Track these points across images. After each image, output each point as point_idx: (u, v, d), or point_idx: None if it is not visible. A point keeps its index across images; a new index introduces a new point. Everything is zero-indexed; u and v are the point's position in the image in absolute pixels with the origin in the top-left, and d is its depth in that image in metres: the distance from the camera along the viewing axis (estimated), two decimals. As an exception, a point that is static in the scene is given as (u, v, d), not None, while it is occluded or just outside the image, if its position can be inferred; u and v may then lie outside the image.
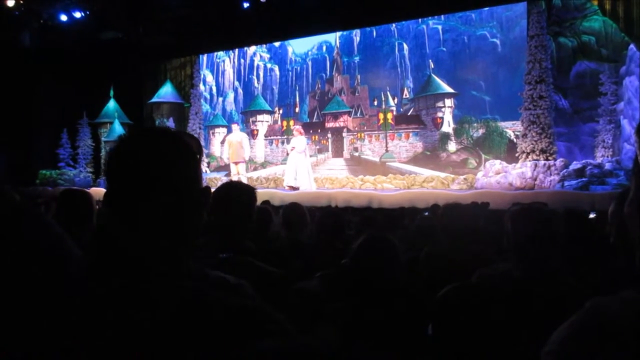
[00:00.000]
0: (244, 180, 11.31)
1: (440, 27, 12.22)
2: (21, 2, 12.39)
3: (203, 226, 0.95)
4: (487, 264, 1.91)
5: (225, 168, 14.75)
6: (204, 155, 14.62)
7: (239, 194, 1.80)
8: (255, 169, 14.11)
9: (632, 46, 9.51)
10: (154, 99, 14.97)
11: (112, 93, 15.05)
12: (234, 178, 11.20)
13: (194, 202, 0.92)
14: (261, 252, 1.84)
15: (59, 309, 0.81)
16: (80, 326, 0.80)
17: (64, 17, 13.05)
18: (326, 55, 13.78)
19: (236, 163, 11.46)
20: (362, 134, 12.96)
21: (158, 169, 0.89)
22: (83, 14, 12.98)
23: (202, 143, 14.64)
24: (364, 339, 1.52)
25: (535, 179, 9.33)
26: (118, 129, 14.66)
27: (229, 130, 14.91)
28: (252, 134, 14.26)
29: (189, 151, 0.93)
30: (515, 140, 10.64)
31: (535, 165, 9.39)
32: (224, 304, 0.85)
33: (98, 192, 12.20)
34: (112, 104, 15.10)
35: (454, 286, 1.58)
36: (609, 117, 9.68)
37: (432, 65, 12.17)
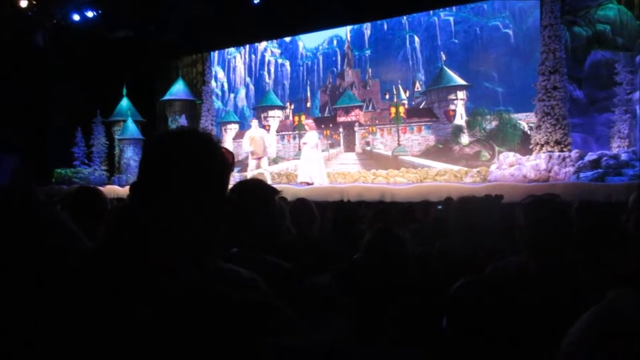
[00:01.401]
0: (268, 175, 11.41)
1: (452, 18, 12.11)
2: (34, 2, 12.51)
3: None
4: (501, 257, 1.89)
5: (238, 164, 14.81)
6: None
7: (259, 192, 1.81)
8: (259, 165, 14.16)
9: (648, 34, 9.35)
10: (166, 97, 15.07)
11: (124, 91, 15.18)
12: (256, 173, 11.31)
13: (222, 210, 0.95)
14: (272, 247, 1.84)
15: (70, 303, 0.82)
16: (91, 321, 0.80)
17: (76, 17, 13.17)
18: (337, 49, 13.74)
19: (259, 158, 11.52)
20: (374, 128, 12.92)
21: (201, 171, 0.91)
22: (95, 13, 13.09)
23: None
24: (375, 334, 1.51)
25: (549, 171, 9.23)
26: (131, 126, 14.80)
27: (243, 127, 14.99)
28: (264, 130, 14.29)
29: (227, 162, 0.97)
30: (529, 132, 10.53)
31: (550, 157, 9.29)
32: (237, 299, 0.86)
33: (113, 189, 12.36)
34: (125, 102, 15.24)
35: (468, 279, 1.57)
36: (624, 107, 9.52)
37: (444, 57, 12.07)
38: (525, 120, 10.86)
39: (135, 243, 0.86)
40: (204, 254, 0.94)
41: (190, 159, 0.91)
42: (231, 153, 1.01)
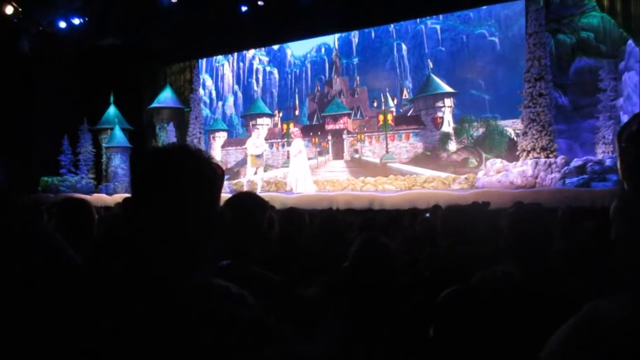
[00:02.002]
0: (260, 183, 11.52)
1: (438, 26, 12.23)
2: (20, 9, 12.43)
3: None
4: (489, 265, 1.91)
5: (226, 172, 14.76)
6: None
7: (250, 205, 1.84)
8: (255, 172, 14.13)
9: (630, 42, 9.50)
10: (154, 104, 15.00)
11: (112, 99, 15.08)
12: (251, 180, 11.39)
13: (212, 224, 0.96)
14: (262, 259, 1.84)
15: (61, 316, 0.82)
16: (82, 334, 0.80)
17: (62, 24, 13.09)
18: (325, 57, 13.79)
19: (258, 167, 11.65)
20: (362, 136, 12.97)
21: (191, 186, 0.92)
22: (81, 21, 13.02)
23: (202, 147, 14.66)
24: (364, 343, 1.52)
25: (536, 177, 9.32)
26: (118, 134, 14.71)
27: (231, 134, 14.97)
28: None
29: (216, 174, 0.98)
30: (515, 138, 10.63)
31: (536, 163, 9.39)
32: (227, 315, 0.86)
33: (100, 198, 12.25)
34: (112, 110, 15.14)
35: (455, 288, 1.59)
36: (608, 113, 9.67)
37: (431, 65, 12.17)
38: (511, 127, 10.97)
39: (128, 260, 0.86)
40: (195, 267, 0.94)
41: (181, 176, 0.92)
42: (220, 167, 1.02)
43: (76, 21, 13.01)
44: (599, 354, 0.64)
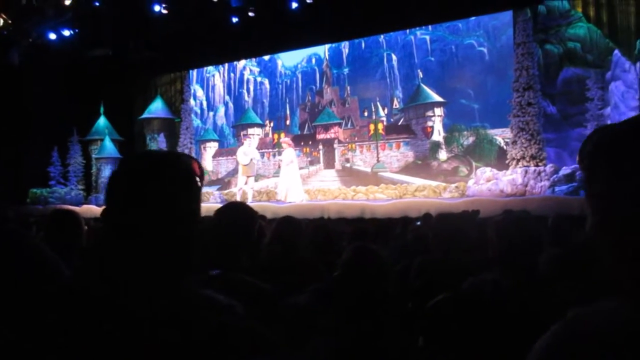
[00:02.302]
0: (251, 192, 11.46)
1: (428, 37, 12.34)
2: (9, 21, 12.39)
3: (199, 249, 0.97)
4: (479, 273, 1.92)
5: (217, 182, 14.73)
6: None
7: (240, 215, 1.85)
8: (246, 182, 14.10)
9: (616, 52, 9.66)
10: (145, 115, 14.96)
11: (102, 110, 15.03)
12: (243, 190, 11.33)
13: (194, 229, 0.94)
14: (253, 268, 1.84)
15: (48, 329, 0.81)
16: (70, 347, 0.79)
17: (52, 36, 13.05)
18: (315, 67, 13.85)
19: (248, 176, 11.57)
20: (353, 145, 13.00)
21: (161, 191, 0.90)
22: (72, 32, 12.99)
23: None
24: (355, 353, 1.52)
25: (526, 185, 9.39)
26: (109, 145, 14.64)
27: (222, 145, 14.95)
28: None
29: (193, 177, 0.95)
30: (505, 147, 10.71)
31: (526, 172, 9.46)
32: (216, 325, 0.86)
33: (89, 209, 12.15)
34: (102, 121, 15.08)
35: (444, 297, 1.59)
36: (596, 122, 9.77)
37: (420, 75, 12.26)
38: (501, 135, 11.06)
39: (112, 272, 0.85)
40: (181, 274, 0.93)
41: (154, 182, 0.90)
42: (200, 166, 0.98)
43: (66, 33, 12.97)
44: None
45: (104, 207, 0.93)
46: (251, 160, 11.32)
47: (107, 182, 0.94)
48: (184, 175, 0.94)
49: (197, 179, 0.95)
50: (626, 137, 0.72)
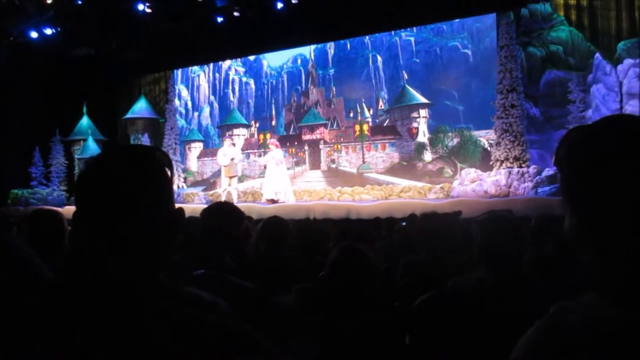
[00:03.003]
0: (235, 193, 11.33)
1: (412, 38, 12.41)
2: (-10, 19, 12.19)
3: (179, 244, 0.95)
4: (464, 272, 1.93)
5: (202, 183, 14.65)
6: (180, 171, 14.49)
7: (227, 216, 1.84)
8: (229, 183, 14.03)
9: (597, 55, 9.81)
10: (129, 115, 14.82)
11: (85, 109, 14.85)
12: (227, 191, 11.19)
13: (166, 220, 0.92)
14: (238, 268, 1.83)
15: (29, 332, 0.80)
16: (52, 351, 0.78)
17: (34, 34, 12.85)
18: (301, 68, 13.86)
19: (231, 177, 11.41)
20: (339, 146, 13.03)
21: (127, 187, 0.88)
22: (54, 31, 12.81)
23: (178, 158, 14.51)
24: (341, 352, 1.52)
25: (509, 186, 9.49)
26: (92, 146, 14.46)
27: (207, 145, 14.86)
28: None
29: (160, 168, 0.93)
30: (489, 148, 10.82)
31: (509, 173, 9.56)
32: (199, 321, 0.85)
33: (72, 210, 11.97)
34: (85, 121, 14.90)
35: (429, 295, 1.60)
36: (578, 124, 9.77)
37: (406, 76, 12.33)
38: (485, 137, 11.16)
39: (90, 272, 0.84)
40: (159, 269, 0.92)
41: (127, 176, 0.89)
42: (165, 153, 0.96)
43: (48, 31, 12.78)
44: (564, 355, 0.65)
45: (75, 210, 0.91)
46: (232, 160, 11.19)
47: (77, 183, 0.92)
48: (152, 166, 0.92)
49: (166, 169, 0.94)
50: (599, 137, 0.73)
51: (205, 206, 1.99)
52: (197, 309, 0.88)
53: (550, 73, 10.61)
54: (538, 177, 9.24)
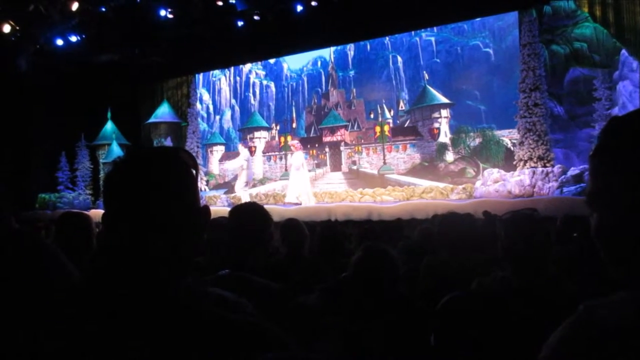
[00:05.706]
0: (247, 197, 11.42)
1: (433, 38, 12.33)
2: (17, 27, 12.49)
3: (204, 245, 0.96)
4: (487, 272, 1.91)
5: (224, 186, 14.77)
6: (203, 174, 14.64)
7: (252, 216, 1.85)
8: (254, 186, 14.12)
9: (624, 51, 9.60)
10: (152, 119, 15.04)
11: (109, 115, 15.12)
12: (238, 195, 11.30)
13: (193, 220, 0.93)
14: (261, 269, 1.84)
15: (57, 331, 0.82)
16: (80, 349, 0.80)
17: (60, 42, 13.14)
18: (321, 70, 13.88)
19: (246, 182, 11.59)
20: (360, 147, 13.00)
21: (154, 187, 0.89)
22: (79, 38, 13.08)
23: (200, 161, 14.67)
24: (364, 352, 1.52)
25: (533, 186, 9.34)
26: (116, 150, 14.71)
27: (229, 148, 15.00)
28: (250, 151, 14.30)
29: (185, 169, 0.93)
30: (512, 148, 10.67)
31: (534, 173, 9.41)
32: (224, 321, 0.86)
33: (97, 213, 12.21)
34: (109, 126, 15.17)
35: (454, 295, 1.58)
36: (604, 122, 9.67)
37: (426, 76, 12.25)
38: (508, 136, 11.01)
39: (119, 272, 0.85)
40: (186, 270, 0.92)
41: (153, 177, 0.90)
42: (190, 154, 0.97)
43: (73, 38, 13.05)
44: (593, 354, 0.64)
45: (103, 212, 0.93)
46: (240, 167, 11.32)
47: (103, 184, 0.93)
48: (177, 166, 0.93)
49: (192, 169, 0.94)
50: (624, 133, 0.71)
51: (229, 209, 2.00)
52: (221, 308, 0.89)
53: (575, 71, 10.43)
54: (563, 176, 9.08)
